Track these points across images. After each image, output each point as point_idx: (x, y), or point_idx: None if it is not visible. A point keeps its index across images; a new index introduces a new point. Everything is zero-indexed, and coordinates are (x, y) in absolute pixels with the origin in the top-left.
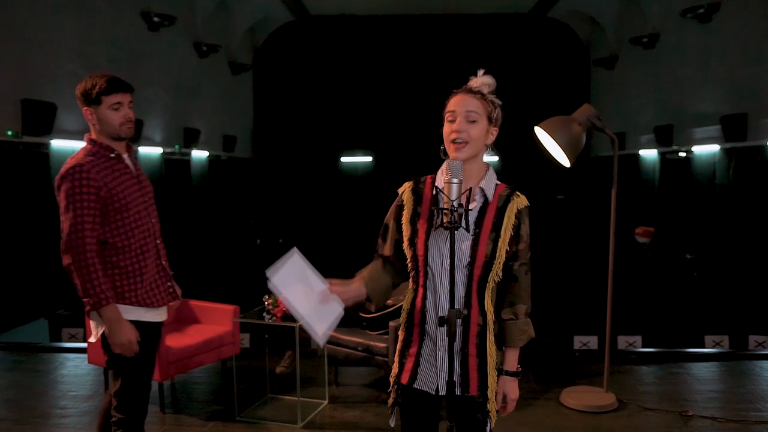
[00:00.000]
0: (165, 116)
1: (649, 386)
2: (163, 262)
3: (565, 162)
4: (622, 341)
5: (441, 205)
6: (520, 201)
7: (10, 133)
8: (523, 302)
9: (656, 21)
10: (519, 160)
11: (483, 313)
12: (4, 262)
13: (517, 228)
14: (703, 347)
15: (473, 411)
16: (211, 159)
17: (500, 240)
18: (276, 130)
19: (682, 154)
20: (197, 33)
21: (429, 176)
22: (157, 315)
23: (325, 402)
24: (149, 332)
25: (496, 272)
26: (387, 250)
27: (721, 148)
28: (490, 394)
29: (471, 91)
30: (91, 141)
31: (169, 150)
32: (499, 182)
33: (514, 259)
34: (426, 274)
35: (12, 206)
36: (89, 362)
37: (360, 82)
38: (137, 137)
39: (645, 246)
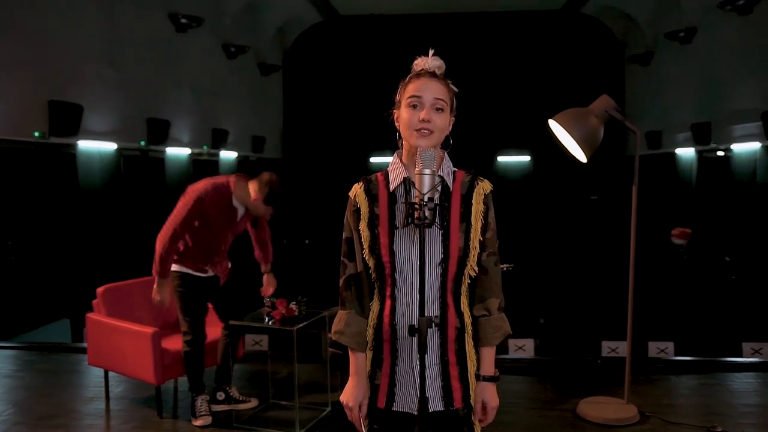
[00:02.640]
0: (193, 117)
1: (677, 398)
2: (216, 258)
3: (582, 157)
4: (653, 348)
5: (411, 200)
6: (485, 185)
7: (37, 134)
8: (495, 296)
9: (693, 14)
10: (551, 160)
11: (460, 314)
12: (30, 263)
13: (485, 215)
14: (741, 356)
15: (458, 426)
16: (240, 159)
17: (472, 230)
18: (306, 131)
19: (721, 153)
20: (225, 34)
21: (379, 173)
22: (199, 272)
23: (328, 409)
24: (191, 280)
25: (471, 266)
26: (359, 265)
27: (762, 146)
28: (473, 403)
29: (436, 76)
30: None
31: (197, 151)
32: (456, 169)
33: (481, 249)
34: (394, 282)
35: (39, 207)
36: (89, 363)
37: (389, 81)
38: (165, 138)
39: (681, 248)
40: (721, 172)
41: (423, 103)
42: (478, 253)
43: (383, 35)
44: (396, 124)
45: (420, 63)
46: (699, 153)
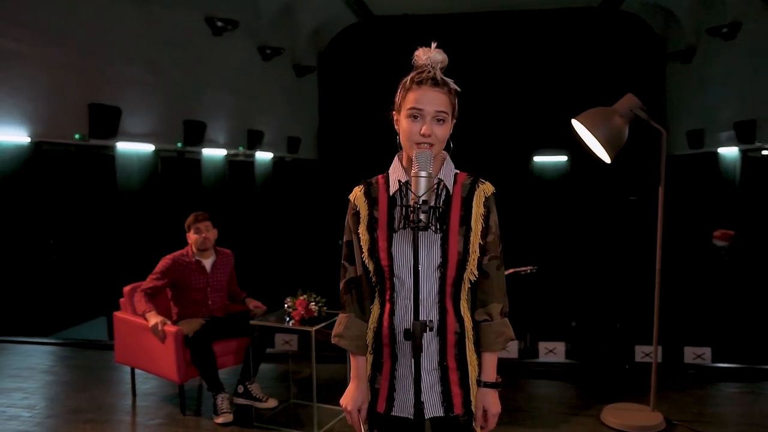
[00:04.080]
0: (229, 118)
1: (709, 406)
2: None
3: (605, 158)
4: (689, 353)
5: (406, 202)
6: (486, 188)
7: (77, 136)
8: (497, 301)
9: (737, 9)
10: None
11: (460, 319)
12: (71, 261)
13: (486, 218)
14: None
15: None
16: (276, 160)
17: (472, 233)
18: (341, 131)
19: (766, 152)
20: (261, 36)
21: (380, 176)
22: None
23: None
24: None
25: (471, 270)
26: (359, 269)
27: None
28: (474, 409)
29: (438, 84)
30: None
31: (232, 151)
32: (458, 171)
33: (482, 253)
34: (393, 285)
35: (79, 207)
36: (116, 361)
37: None
38: (201, 139)
39: (723, 250)
40: (765, 172)
41: (424, 116)
42: (480, 257)
43: (418, 35)
44: (396, 126)
45: (421, 55)
46: (743, 152)
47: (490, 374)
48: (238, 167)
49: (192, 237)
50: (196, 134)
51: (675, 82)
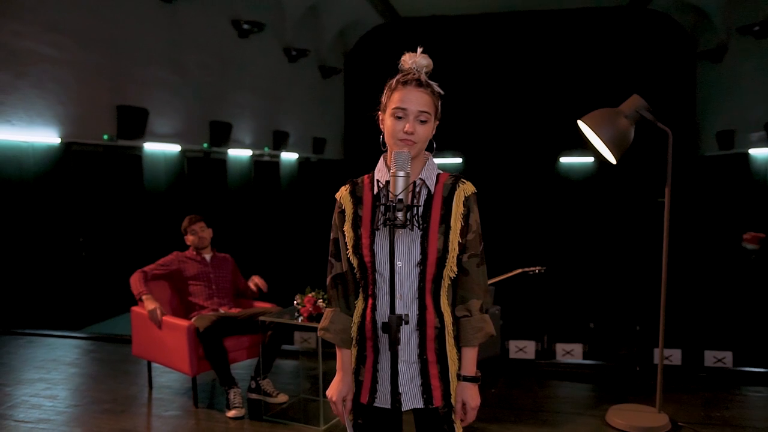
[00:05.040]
0: (254, 120)
1: (719, 410)
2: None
3: (611, 159)
4: (710, 357)
5: (384, 202)
6: (466, 188)
7: (106, 137)
8: (477, 297)
9: None
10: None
11: (439, 314)
12: (100, 258)
13: (466, 217)
14: None
15: (438, 424)
16: (301, 161)
17: (451, 232)
18: (366, 132)
19: None
20: (287, 38)
21: (366, 176)
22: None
23: None
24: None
25: (450, 267)
26: (344, 265)
27: None
28: (454, 402)
29: (422, 85)
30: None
31: (258, 152)
32: (441, 171)
33: (463, 251)
34: (375, 281)
35: (108, 205)
36: (133, 354)
37: (450, 82)
38: (227, 140)
39: (753, 254)
40: None
41: (407, 115)
42: (460, 255)
43: (444, 36)
44: (381, 126)
45: (407, 60)
46: None
47: (470, 368)
48: (263, 167)
49: (189, 239)
50: (222, 135)
51: (705, 82)
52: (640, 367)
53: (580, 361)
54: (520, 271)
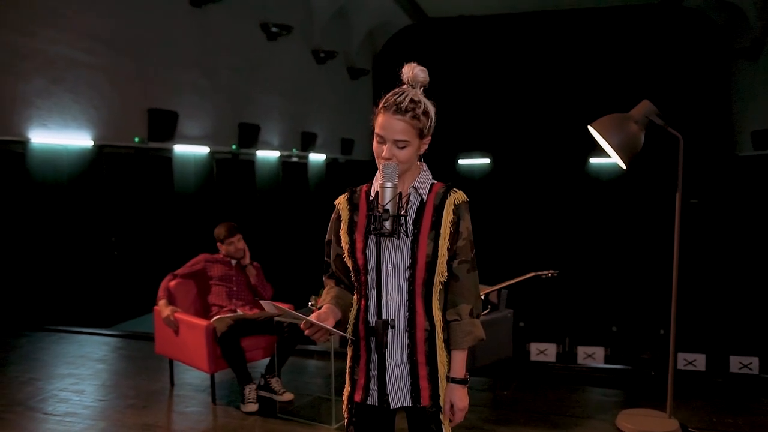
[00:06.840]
0: (283, 121)
1: (734, 416)
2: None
3: (621, 164)
4: (735, 362)
5: (374, 211)
6: (457, 196)
7: (137, 139)
8: (467, 302)
9: None
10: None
11: (430, 317)
12: (131, 257)
13: (456, 224)
14: None
15: (426, 422)
16: (329, 162)
17: (440, 238)
18: None
19: None
20: (315, 40)
21: (365, 185)
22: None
23: None
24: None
25: (441, 272)
26: (333, 266)
27: None
28: (442, 403)
29: (400, 111)
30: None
31: (286, 153)
32: (435, 181)
33: (453, 257)
34: (367, 284)
35: (139, 206)
36: (155, 352)
37: (479, 82)
38: (255, 141)
39: None
40: None
41: (385, 141)
42: (450, 261)
43: (473, 37)
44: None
45: (406, 71)
46: None
47: (459, 371)
48: (291, 168)
49: (224, 248)
50: (251, 137)
51: (740, 80)
52: (656, 371)
53: (601, 365)
54: (532, 274)
